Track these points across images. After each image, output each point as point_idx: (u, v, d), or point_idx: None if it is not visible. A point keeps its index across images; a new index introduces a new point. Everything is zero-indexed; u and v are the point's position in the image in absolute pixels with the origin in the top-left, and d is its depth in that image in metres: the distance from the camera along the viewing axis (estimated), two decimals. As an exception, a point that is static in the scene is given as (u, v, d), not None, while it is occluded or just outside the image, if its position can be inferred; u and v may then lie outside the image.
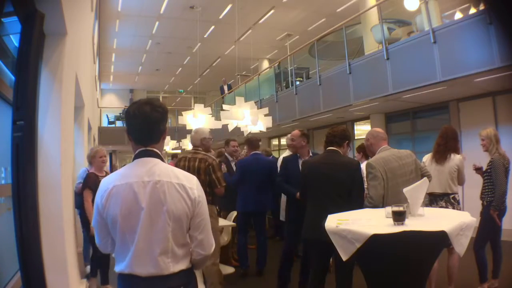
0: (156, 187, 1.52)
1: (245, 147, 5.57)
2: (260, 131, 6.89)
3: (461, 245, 2.01)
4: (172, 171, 1.59)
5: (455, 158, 3.57)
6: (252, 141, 4.80)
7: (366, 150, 4.67)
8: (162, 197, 1.52)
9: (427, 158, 3.72)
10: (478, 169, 3.76)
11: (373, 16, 8.09)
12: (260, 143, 5.10)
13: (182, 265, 1.58)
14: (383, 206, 2.69)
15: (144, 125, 1.57)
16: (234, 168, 5.13)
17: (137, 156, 1.60)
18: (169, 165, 1.63)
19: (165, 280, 1.54)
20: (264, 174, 4.50)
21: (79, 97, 4.21)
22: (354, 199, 2.85)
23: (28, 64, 2.14)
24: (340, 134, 3.08)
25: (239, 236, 4.67)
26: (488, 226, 3.55)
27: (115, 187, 1.54)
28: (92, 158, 3.97)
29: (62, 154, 2.49)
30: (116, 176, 1.59)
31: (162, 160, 1.62)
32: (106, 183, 1.58)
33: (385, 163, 2.80)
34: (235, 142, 5.32)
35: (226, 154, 5.31)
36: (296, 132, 3.87)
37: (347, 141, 3.10)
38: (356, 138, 9.75)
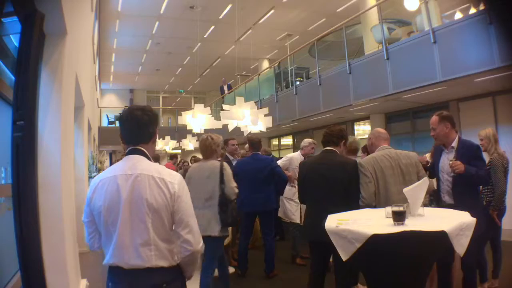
0: (138, 179, 1.61)
1: (245, 147, 5.57)
2: (260, 131, 6.89)
3: (461, 245, 2.00)
4: (155, 167, 1.68)
5: None
6: (253, 141, 4.78)
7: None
8: (142, 189, 1.60)
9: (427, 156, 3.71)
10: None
11: (373, 16, 8.09)
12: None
13: (167, 262, 1.63)
14: (375, 205, 2.70)
15: (134, 127, 1.71)
16: None
17: (126, 154, 1.72)
18: (153, 163, 1.72)
19: (148, 275, 1.59)
20: (263, 173, 4.48)
21: (79, 97, 4.21)
22: (352, 198, 2.85)
23: (28, 64, 2.14)
24: (337, 134, 3.09)
25: (241, 238, 4.62)
26: (488, 226, 3.54)
27: (101, 180, 1.67)
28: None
29: (62, 154, 2.49)
30: (106, 171, 1.73)
31: (149, 159, 1.71)
32: (97, 178, 1.72)
33: (375, 162, 2.83)
34: (234, 141, 5.29)
35: (226, 154, 5.30)
36: (434, 118, 3.12)
37: (344, 141, 3.11)
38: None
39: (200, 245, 1.70)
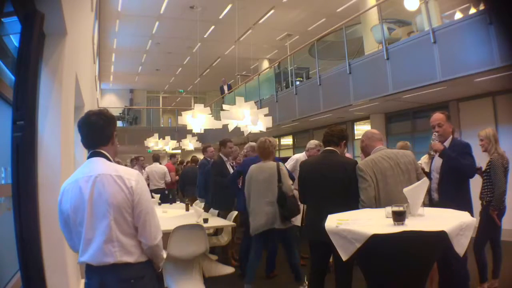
0: (97, 180, 1.70)
1: (245, 147, 5.56)
2: (260, 131, 6.89)
3: (461, 245, 2.00)
4: (113, 167, 1.75)
5: None
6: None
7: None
8: (101, 188, 1.69)
9: (424, 158, 3.71)
10: (477, 169, 3.76)
11: (373, 16, 8.09)
12: None
13: (132, 257, 1.70)
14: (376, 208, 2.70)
15: (90, 131, 1.81)
16: (230, 168, 5.21)
17: (88, 158, 1.81)
18: (112, 163, 1.78)
19: (115, 271, 1.66)
20: None
21: (79, 97, 4.21)
22: (352, 199, 2.84)
23: (28, 64, 2.14)
24: (338, 134, 3.09)
25: (244, 238, 4.59)
26: (488, 226, 3.55)
27: (67, 185, 1.76)
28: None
29: (62, 154, 2.49)
30: (70, 176, 1.82)
31: (110, 160, 1.82)
32: (64, 183, 1.80)
33: (374, 164, 2.79)
34: (232, 143, 5.31)
35: (220, 154, 5.31)
36: (441, 116, 3.16)
37: (344, 141, 3.11)
38: (356, 138, 9.75)
39: (157, 240, 1.76)
